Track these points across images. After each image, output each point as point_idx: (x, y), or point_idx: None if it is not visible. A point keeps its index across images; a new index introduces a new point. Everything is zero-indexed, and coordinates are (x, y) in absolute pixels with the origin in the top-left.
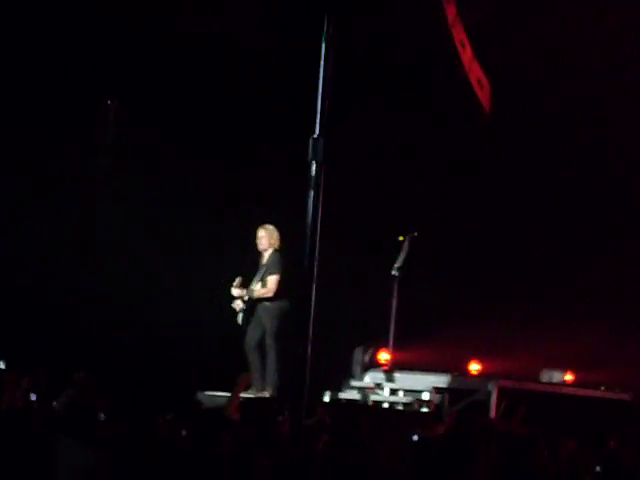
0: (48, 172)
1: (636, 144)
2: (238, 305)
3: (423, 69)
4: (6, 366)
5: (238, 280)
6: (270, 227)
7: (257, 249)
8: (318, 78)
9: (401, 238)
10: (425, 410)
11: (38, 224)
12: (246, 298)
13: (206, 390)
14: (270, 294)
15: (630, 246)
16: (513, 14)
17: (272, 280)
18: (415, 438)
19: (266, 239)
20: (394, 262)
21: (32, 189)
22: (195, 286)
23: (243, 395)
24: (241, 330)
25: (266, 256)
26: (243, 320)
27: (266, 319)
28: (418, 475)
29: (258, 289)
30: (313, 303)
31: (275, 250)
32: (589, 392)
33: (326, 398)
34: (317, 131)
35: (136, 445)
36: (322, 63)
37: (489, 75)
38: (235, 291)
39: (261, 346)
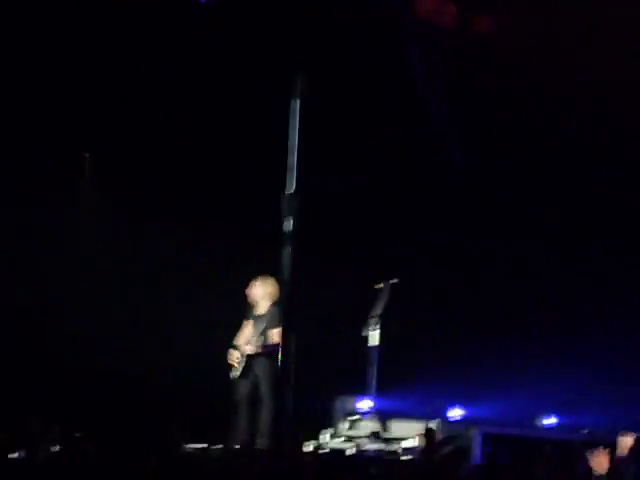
0: (22, 225)
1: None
2: (237, 359)
3: (396, 121)
4: None
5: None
6: (267, 278)
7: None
8: (287, 134)
9: (380, 285)
10: (409, 457)
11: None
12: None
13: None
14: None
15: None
16: None
17: (279, 332)
18: None
19: (262, 289)
20: (373, 310)
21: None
22: (179, 339)
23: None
24: (230, 382)
25: (264, 307)
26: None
27: (260, 369)
28: None
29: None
30: (293, 354)
31: (274, 302)
32: (572, 435)
33: (309, 447)
34: (290, 187)
35: None
36: (292, 120)
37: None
38: (248, 347)
39: (251, 396)
